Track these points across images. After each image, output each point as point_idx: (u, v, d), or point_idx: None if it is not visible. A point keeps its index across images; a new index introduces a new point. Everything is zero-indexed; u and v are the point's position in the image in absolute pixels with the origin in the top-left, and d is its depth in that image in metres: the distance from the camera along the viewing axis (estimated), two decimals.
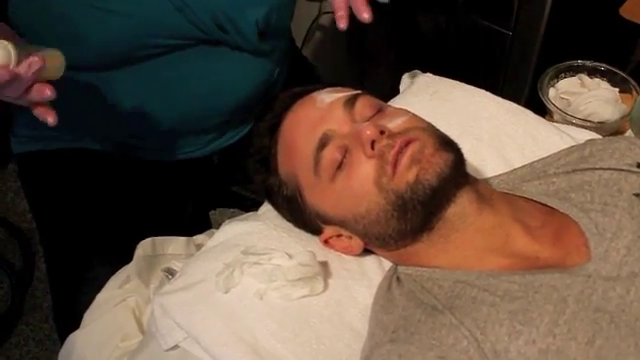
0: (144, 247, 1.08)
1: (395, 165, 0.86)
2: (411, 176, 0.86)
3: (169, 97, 1.13)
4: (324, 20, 2.36)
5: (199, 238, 1.16)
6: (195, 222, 1.39)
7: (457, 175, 0.88)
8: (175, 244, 1.12)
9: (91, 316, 1.05)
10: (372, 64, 2.23)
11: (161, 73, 1.11)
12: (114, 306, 1.04)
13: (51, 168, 1.27)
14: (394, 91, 1.32)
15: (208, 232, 1.17)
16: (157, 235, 1.12)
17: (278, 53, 1.26)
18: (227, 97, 1.20)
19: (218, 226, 1.10)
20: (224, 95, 1.19)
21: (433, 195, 0.86)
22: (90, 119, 1.18)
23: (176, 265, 1.07)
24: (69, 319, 1.12)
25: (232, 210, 1.70)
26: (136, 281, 1.05)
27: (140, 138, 1.23)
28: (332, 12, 2.40)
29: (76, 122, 1.20)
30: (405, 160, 0.86)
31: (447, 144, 0.90)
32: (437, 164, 0.86)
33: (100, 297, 1.06)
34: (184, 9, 1.03)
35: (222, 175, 1.40)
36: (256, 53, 1.18)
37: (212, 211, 1.60)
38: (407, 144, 0.87)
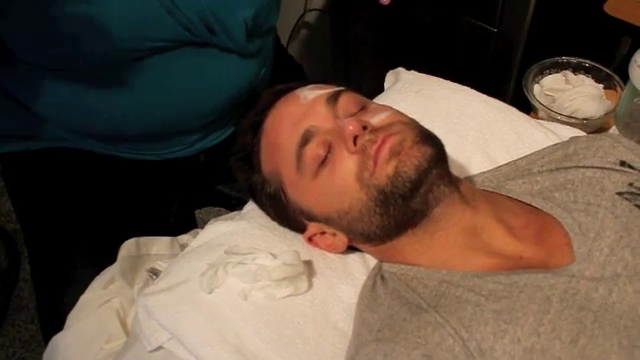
0: (128, 247, 1.08)
1: (376, 159, 0.86)
2: (390, 169, 0.85)
3: (155, 98, 1.13)
4: (309, 17, 2.36)
5: (183, 238, 1.15)
6: (180, 221, 1.39)
7: (437, 170, 0.88)
8: (159, 244, 1.11)
9: (75, 317, 1.04)
10: (357, 61, 2.23)
11: (147, 74, 1.10)
12: (98, 307, 1.04)
13: (34, 168, 1.26)
14: (379, 88, 1.32)
15: (193, 232, 1.17)
16: (142, 235, 1.11)
17: (264, 53, 1.25)
18: (213, 97, 1.19)
19: (204, 225, 1.10)
20: (210, 96, 1.18)
21: (413, 188, 0.85)
22: (75, 119, 1.18)
23: (160, 265, 1.07)
24: (54, 320, 1.12)
25: (218, 209, 1.69)
26: (120, 282, 1.05)
27: (125, 138, 1.22)
28: (318, 9, 2.40)
29: (61, 122, 1.19)
30: (384, 153, 0.86)
31: (427, 138, 0.90)
32: (415, 157, 0.86)
33: (84, 298, 1.05)
34: (173, 11, 1.03)
35: (208, 174, 1.39)
36: (242, 54, 1.17)
37: (198, 210, 1.59)
38: (389, 137, 0.87)
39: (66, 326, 1.04)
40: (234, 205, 1.40)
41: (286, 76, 1.38)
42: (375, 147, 0.86)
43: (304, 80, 1.40)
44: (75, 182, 1.25)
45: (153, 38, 1.04)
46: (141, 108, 1.13)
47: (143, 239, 1.10)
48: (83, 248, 1.21)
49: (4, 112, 1.26)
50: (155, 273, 1.05)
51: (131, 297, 1.04)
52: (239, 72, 1.20)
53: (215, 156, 1.30)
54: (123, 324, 1.03)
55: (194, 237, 1.09)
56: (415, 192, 0.86)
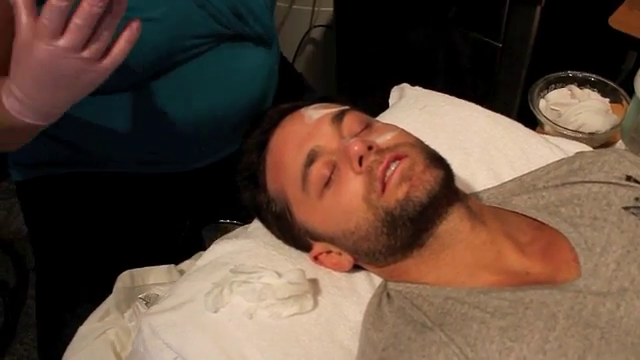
0: (123, 279, 1.08)
1: (384, 181, 0.86)
2: (401, 193, 0.85)
3: (191, 105, 1.15)
4: (315, 34, 2.36)
5: (185, 264, 1.15)
6: (188, 241, 1.39)
7: (447, 192, 0.88)
8: (156, 273, 1.12)
9: (72, 350, 1.04)
10: (362, 77, 2.23)
11: (184, 81, 1.12)
12: (94, 339, 1.03)
13: (52, 194, 1.26)
14: (385, 104, 1.32)
15: (195, 256, 1.16)
16: (150, 259, 1.12)
17: (275, 44, 1.30)
18: (244, 94, 1.21)
19: (209, 241, 1.10)
20: (241, 93, 1.21)
21: (423, 212, 0.85)
22: (110, 141, 1.18)
23: (160, 290, 1.07)
24: (53, 351, 1.12)
25: (225, 226, 1.68)
26: (115, 314, 1.05)
27: (159, 152, 1.23)
28: (323, 26, 2.41)
29: (94, 146, 1.19)
30: (395, 177, 0.86)
31: (437, 160, 0.90)
32: (427, 181, 0.86)
33: (81, 330, 1.06)
34: (205, 4, 1.06)
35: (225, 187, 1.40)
36: (269, 44, 1.21)
37: (205, 227, 1.59)
38: (396, 160, 0.87)
39: (63, 358, 1.04)
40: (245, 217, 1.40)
41: (293, 91, 1.39)
42: (381, 168, 0.86)
43: (312, 95, 1.41)
44: (90, 209, 1.25)
45: (190, 35, 1.07)
46: (179, 117, 1.15)
47: (137, 271, 1.10)
48: (90, 281, 1.21)
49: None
50: (148, 300, 1.05)
51: (126, 327, 1.04)
52: (266, 62, 1.24)
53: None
54: (118, 357, 1.02)
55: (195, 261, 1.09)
56: (425, 216, 0.86)
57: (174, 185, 1.30)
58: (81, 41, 0.78)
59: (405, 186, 0.85)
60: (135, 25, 0.82)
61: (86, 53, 0.79)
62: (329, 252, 0.96)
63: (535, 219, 0.95)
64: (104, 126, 1.13)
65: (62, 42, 0.77)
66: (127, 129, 1.14)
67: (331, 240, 0.94)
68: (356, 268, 0.99)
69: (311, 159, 0.90)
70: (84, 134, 1.15)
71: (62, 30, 0.77)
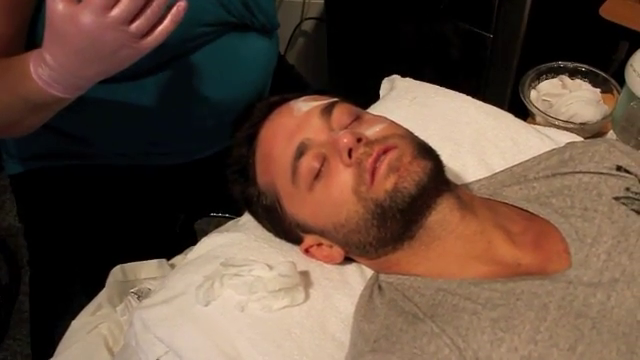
0: (114, 274, 1.08)
1: (373, 173, 0.86)
2: (389, 185, 0.85)
3: (198, 95, 1.15)
4: (306, 26, 2.36)
5: (176, 259, 1.15)
6: (182, 235, 1.39)
7: (436, 183, 0.87)
8: (147, 268, 1.12)
9: (65, 344, 1.04)
10: (354, 69, 2.23)
11: (191, 71, 1.12)
12: (86, 333, 1.03)
13: (47, 189, 1.25)
14: (376, 96, 1.32)
15: (186, 251, 1.16)
16: (146, 252, 1.12)
17: (275, 35, 1.31)
18: (247, 84, 1.22)
19: (203, 234, 1.09)
20: (245, 83, 1.21)
21: (412, 203, 0.85)
22: (115, 131, 1.18)
23: (151, 283, 1.07)
24: (45, 346, 1.11)
25: (218, 219, 1.68)
26: (107, 308, 1.05)
27: (164, 143, 1.22)
28: (315, 18, 2.41)
29: (96, 136, 1.18)
30: (383, 168, 0.85)
31: (426, 151, 0.90)
32: (415, 172, 0.85)
33: (74, 324, 1.06)
34: None
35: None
36: (271, 34, 1.23)
37: (198, 221, 1.58)
38: (385, 152, 0.87)
39: (56, 353, 1.04)
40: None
41: (287, 83, 1.39)
42: (370, 160, 0.86)
43: (305, 87, 1.42)
44: (84, 202, 1.25)
45: (200, 23, 1.07)
46: (186, 107, 1.16)
47: (128, 265, 1.10)
48: (84, 275, 1.21)
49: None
50: (140, 294, 1.05)
51: (119, 321, 1.04)
52: (267, 52, 1.26)
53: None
54: (110, 352, 1.02)
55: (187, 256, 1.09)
56: (414, 207, 0.86)
57: (168, 179, 1.29)
58: (131, 13, 0.79)
59: (393, 177, 0.85)
60: (182, 5, 0.83)
61: (133, 27, 0.80)
62: (320, 245, 0.96)
63: (526, 210, 0.95)
64: (110, 115, 1.13)
65: (114, 12, 0.78)
66: (133, 118, 1.14)
67: (322, 233, 0.93)
68: (347, 260, 0.98)
69: (301, 152, 0.90)
70: (88, 124, 1.15)
71: (113, 4, 0.78)
